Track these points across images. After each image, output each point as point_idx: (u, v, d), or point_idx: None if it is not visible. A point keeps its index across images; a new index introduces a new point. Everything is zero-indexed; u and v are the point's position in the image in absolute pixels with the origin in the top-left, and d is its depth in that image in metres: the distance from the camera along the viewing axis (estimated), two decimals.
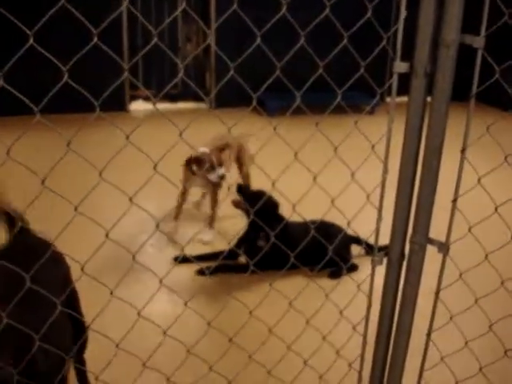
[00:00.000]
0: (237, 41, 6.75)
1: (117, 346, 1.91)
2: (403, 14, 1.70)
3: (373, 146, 1.95)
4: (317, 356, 2.53)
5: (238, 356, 2.53)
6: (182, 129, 1.69)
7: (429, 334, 2.09)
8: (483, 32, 1.67)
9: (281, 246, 2.52)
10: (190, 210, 4.88)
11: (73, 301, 2.35)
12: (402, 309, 2.00)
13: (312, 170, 2.05)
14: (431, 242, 1.90)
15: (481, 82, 1.75)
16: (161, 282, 1.89)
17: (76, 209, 1.60)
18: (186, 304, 2.05)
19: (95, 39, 1.47)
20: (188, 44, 8.58)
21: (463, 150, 1.83)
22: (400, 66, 1.74)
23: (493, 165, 2.15)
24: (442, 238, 1.90)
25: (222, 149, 4.40)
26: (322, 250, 3.22)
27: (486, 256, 2.18)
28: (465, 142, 1.82)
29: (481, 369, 2.45)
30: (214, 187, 4.39)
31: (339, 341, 2.50)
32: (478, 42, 1.67)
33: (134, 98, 8.24)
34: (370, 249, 4.20)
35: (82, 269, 1.69)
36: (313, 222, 3.75)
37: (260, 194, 3.89)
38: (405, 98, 1.72)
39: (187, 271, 3.94)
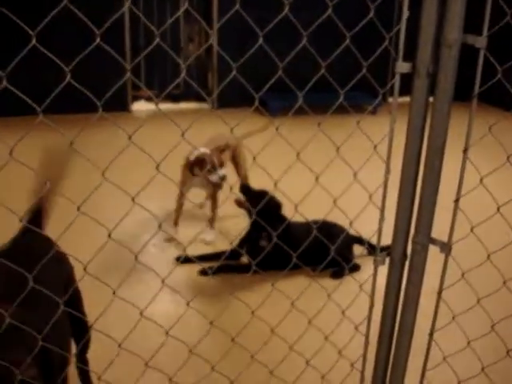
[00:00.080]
0: (239, 41, 6.76)
1: (119, 345, 1.91)
2: (405, 14, 1.70)
3: (375, 146, 1.95)
4: (319, 356, 2.53)
5: (241, 356, 2.53)
6: (184, 129, 1.70)
7: (431, 334, 2.09)
8: (485, 32, 1.67)
9: (283, 246, 2.52)
10: (191, 211, 4.88)
11: (76, 301, 2.35)
12: (404, 309, 2.00)
13: (314, 170, 2.05)
14: (433, 242, 1.91)
15: (483, 82, 1.75)
16: (163, 282, 1.90)
17: (79, 209, 1.61)
18: (188, 304, 2.06)
19: (98, 40, 1.47)
20: (190, 44, 8.58)
21: (465, 150, 1.83)
22: (402, 67, 1.74)
23: (495, 165, 2.14)
24: (444, 238, 1.90)
25: (222, 149, 4.40)
26: (324, 250, 3.22)
27: (489, 256, 2.18)
28: (467, 142, 1.82)
29: (483, 369, 2.45)
30: (215, 188, 4.38)
31: (341, 341, 2.50)
32: (480, 42, 1.67)
33: (136, 98, 8.24)
34: (372, 249, 4.19)
35: (85, 269, 1.69)
36: (315, 222, 3.75)
37: (263, 194, 3.89)
38: (407, 99, 1.72)
39: (189, 271, 3.94)
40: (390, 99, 8.80)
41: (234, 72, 1.71)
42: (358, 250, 4.25)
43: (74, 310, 2.11)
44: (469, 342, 2.40)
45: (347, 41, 1.89)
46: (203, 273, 3.92)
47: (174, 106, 8.38)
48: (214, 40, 7.94)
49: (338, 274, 3.95)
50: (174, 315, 3.33)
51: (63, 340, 2.02)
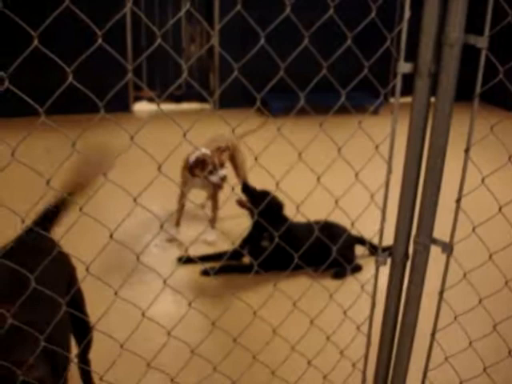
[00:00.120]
0: (241, 41, 6.76)
1: (121, 346, 1.91)
2: (407, 14, 1.70)
3: (377, 147, 1.95)
4: (321, 356, 2.53)
5: (242, 356, 2.53)
6: (186, 129, 1.70)
7: (433, 334, 2.09)
8: (487, 32, 1.67)
9: (285, 247, 2.52)
10: (193, 211, 4.88)
11: (78, 301, 2.36)
12: (406, 309, 2.00)
13: (316, 170, 2.05)
14: (435, 242, 1.90)
15: (485, 82, 1.75)
16: (165, 282, 1.90)
17: (81, 209, 1.61)
18: (190, 304, 2.06)
19: (99, 41, 1.47)
20: (192, 45, 8.59)
21: (467, 150, 1.83)
22: (404, 67, 1.74)
23: (496, 165, 2.15)
24: (446, 239, 1.90)
25: (222, 150, 4.40)
26: (325, 251, 3.22)
27: (490, 256, 2.18)
28: (469, 141, 1.82)
29: (485, 369, 2.45)
30: (215, 188, 4.37)
31: (343, 341, 2.49)
32: (482, 41, 1.67)
33: (137, 98, 8.25)
34: (373, 249, 4.19)
35: (87, 269, 1.69)
36: (317, 223, 3.75)
37: (265, 194, 3.89)
38: (409, 99, 1.72)
39: (191, 272, 3.95)
40: (392, 99, 8.79)
41: (235, 72, 1.71)
42: (359, 250, 4.25)
43: (76, 311, 2.12)
44: (470, 342, 2.40)
45: (349, 41, 1.89)
46: (205, 273, 3.92)
47: (176, 107, 8.38)
48: (215, 40, 7.94)
49: (339, 275, 3.95)
50: (175, 316, 3.34)
51: (66, 340, 2.02)
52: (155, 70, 8.25)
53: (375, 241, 2.22)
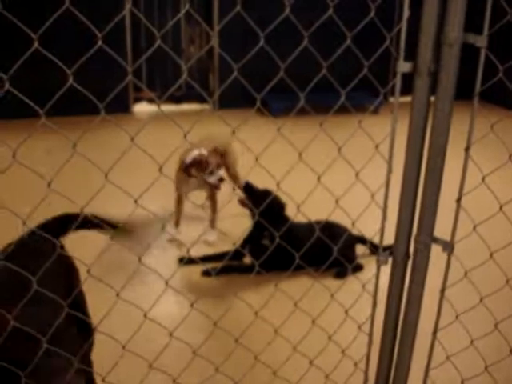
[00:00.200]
0: (240, 42, 6.76)
1: (123, 347, 1.91)
2: (406, 13, 1.70)
3: (377, 146, 1.95)
4: (322, 356, 2.53)
5: (244, 357, 2.53)
6: (186, 130, 1.70)
7: (434, 333, 2.09)
8: (486, 31, 1.67)
9: (286, 247, 2.52)
10: (193, 212, 4.88)
11: (80, 303, 2.36)
12: (407, 308, 2.00)
13: (316, 170, 2.05)
14: (436, 241, 1.91)
15: (485, 80, 1.76)
16: (167, 283, 1.90)
17: (82, 211, 1.61)
18: (191, 305, 2.06)
19: (99, 42, 1.47)
20: (191, 46, 8.59)
21: (467, 149, 1.83)
22: (403, 66, 1.74)
23: (497, 163, 2.15)
24: (447, 237, 1.90)
25: (219, 151, 4.40)
26: (327, 250, 3.23)
27: (491, 255, 2.18)
28: (469, 140, 1.82)
29: (486, 367, 2.45)
30: (212, 189, 4.35)
31: (345, 340, 2.50)
32: (481, 40, 1.67)
33: (137, 99, 8.26)
34: (374, 248, 4.19)
35: (89, 271, 1.69)
36: (317, 223, 3.75)
37: (266, 194, 3.89)
38: (409, 98, 1.73)
39: (192, 272, 3.95)
40: (392, 99, 8.80)
41: (235, 73, 1.72)
42: (360, 249, 4.25)
43: (78, 312, 2.12)
44: (472, 341, 2.40)
45: (348, 41, 1.89)
46: (206, 274, 3.92)
47: (176, 108, 8.39)
48: (215, 41, 7.95)
49: (340, 274, 3.95)
50: (177, 316, 3.34)
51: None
52: (155, 71, 8.26)
53: (376, 240, 2.22)
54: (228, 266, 3.97)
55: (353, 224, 2.20)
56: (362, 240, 4.17)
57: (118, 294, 1.79)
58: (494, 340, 2.64)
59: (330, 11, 1.84)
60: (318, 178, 1.97)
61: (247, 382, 2.57)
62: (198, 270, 3.94)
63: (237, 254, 4.04)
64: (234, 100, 7.44)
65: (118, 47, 7.37)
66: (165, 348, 2.14)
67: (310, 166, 2.12)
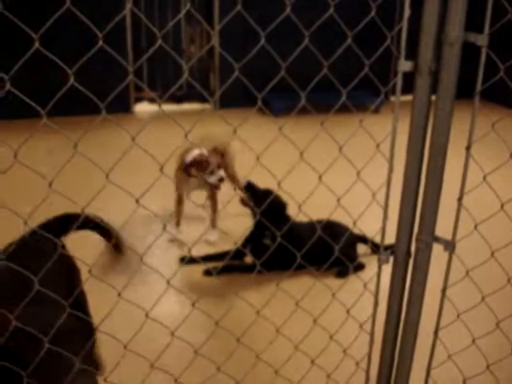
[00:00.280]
0: (241, 41, 6.76)
1: (125, 347, 1.92)
2: (407, 12, 1.70)
3: (378, 145, 1.95)
4: (324, 355, 2.53)
5: (246, 356, 2.53)
6: (187, 130, 1.70)
7: (436, 332, 2.09)
8: (487, 30, 1.67)
9: (287, 246, 2.52)
10: (194, 211, 4.88)
11: (81, 303, 2.36)
12: (408, 307, 2.00)
13: (317, 169, 2.05)
14: (437, 240, 1.91)
15: (486, 79, 1.75)
16: (168, 283, 1.90)
17: (83, 211, 1.61)
18: (193, 305, 2.06)
19: (100, 42, 1.48)
20: (192, 45, 8.59)
21: (468, 148, 1.83)
22: (404, 65, 1.74)
23: (498, 162, 2.14)
24: (448, 236, 1.90)
25: (219, 151, 4.39)
26: (328, 250, 3.22)
27: (493, 253, 2.18)
28: (470, 139, 1.82)
29: (488, 366, 2.45)
30: (212, 189, 4.34)
31: (346, 340, 2.50)
32: (482, 39, 1.67)
33: (138, 99, 8.26)
34: (376, 248, 4.19)
35: (90, 271, 1.70)
36: (319, 222, 3.75)
37: (267, 193, 3.89)
38: (409, 97, 1.73)
39: (194, 272, 3.95)
40: (393, 98, 8.79)
41: (236, 72, 1.72)
42: (361, 249, 4.25)
43: (79, 312, 2.12)
44: (474, 340, 2.40)
45: (349, 40, 1.89)
46: (207, 273, 3.92)
47: (177, 107, 8.39)
48: (215, 41, 7.95)
49: (342, 274, 3.95)
50: (179, 316, 3.34)
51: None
52: (156, 70, 8.26)
53: (377, 239, 2.22)
54: (229, 266, 3.97)
55: (354, 223, 2.20)
56: (363, 239, 4.17)
57: (119, 294, 1.79)
58: (496, 339, 2.64)
59: (331, 10, 1.84)
60: (319, 178, 1.97)
61: (249, 382, 2.57)
62: (199, 269, 3.94)
63: (238, 254, 4.04)
64: (235, 99, 7.44)
65: (118, 47, 7.37)
66: (166, 347, 2.15)
67: (311, 166, 2.12)
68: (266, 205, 3.07)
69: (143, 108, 8.28)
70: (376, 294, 2.08)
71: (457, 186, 1.89)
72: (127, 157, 1.97)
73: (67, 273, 2.25)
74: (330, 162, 2.07)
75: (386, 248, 1.99)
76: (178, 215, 4.50)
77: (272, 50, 1.96)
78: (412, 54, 1.73)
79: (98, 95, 1.70)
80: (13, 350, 1.64)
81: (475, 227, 2.13)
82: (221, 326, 2.14)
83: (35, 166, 1.62)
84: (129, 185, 1.95)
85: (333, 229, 3.95)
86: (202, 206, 4.97)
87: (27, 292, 1.64)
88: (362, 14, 2.19)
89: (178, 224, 4.51)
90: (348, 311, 2.35)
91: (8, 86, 1.36)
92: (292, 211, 3.92)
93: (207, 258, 4.05)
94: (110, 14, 2.91)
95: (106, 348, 2.45)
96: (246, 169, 3.46)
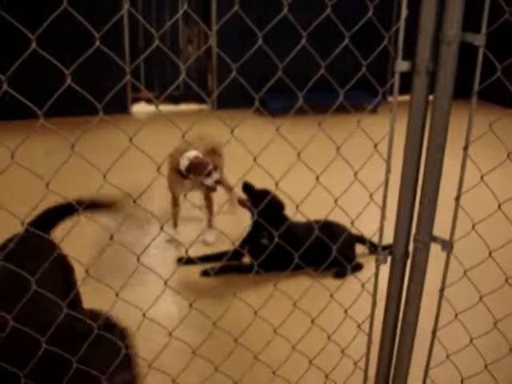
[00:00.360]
0: (238, 42, 6.77)
1: None
2: (404, 12, 1.70)
3: (375, 145, 1.95)
4: (322, 355, 2.53)
5: (244, 356, 2.53)
6: (185, 130, 1.70)
7: (434, 332, 2.09)
8: (484, 30, 1.67)
9: (285, 246, 2.52)
10: (191, 212, 4.88)
11: (76, 303, 2.35)
12: (406, 307, 2.00)
13: (315, 169, 2.05)
14: (435, 240, 1.91)
15: (483, 79, 1.76)
16: (166, 283, 1.90)
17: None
18: (190, 305, 2.06)
19: (97, 43, 1.47)
20: (189, 46, 8.59)
21: (466, 148, 1.83)
22: (402, 65, 1.74)
23: (495, 162, 2.15)
24: (446, 236, 1.90)
25: (214, 151, 4.38)
26: (326, 250, 3.23)
27: (490, 253, 2.18)
28: (467, 139, 1.82)
29: (486, 366, 2.45)
30: (208, 190, 4.31)
31: (344, 340, 2.50)
32: (479, 39, 1.67)
33: (136, 100, 8.26)
34: (374, 248, 4.19)
35: (87, 271, 1.69)
36: (316, 222, 3.75)
37: (265, 194, 3.89)
38: (407, 97, 1.73)
39: (191, 272, 3.95)
40: (390, 98, 8.80)
41: (233, 73, 1.71)
42: (359, 249, 4.25)
43: (73, 312, 2.12)
44: (471, 340, 2.40)
45: (346, 40, 1.89)
46: (205, 274, 3.92)
47: (174, 108, 8.39)
48: (213, 41, 7.95)
49: (340, 274, 3.95)
50: (176, 316, 3.34)
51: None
52: (153, 71, 8.26)
53: (375, 239, 2.22)
54: (227, 266, 3.97)
55: (352, 223, 2.20)
56: (361, 239, 4.17)
57: (117, 294, 1.79)
58: (494, 339, 2.64)
59: (328, 11, 1.84)
60: (317, 178, 1.97)
61: (247, 382, 2.57)
62: (196, 270, 3.94)
63: (236, 254, 4.03)
64: (233, 100, 7.44)
65: (116, 47, 7.36)
66: (164, 348, 2.14)
67: (309, 166, 2.12)
68: (263, 205, 3.07)
69: (140, 108, 8.28)
70: (374, 294, 2.08)
71: (454, 186, 1.89)
72: (125, 157, 1.97)
73: (62, 271, 2.25)
74: (327, 162, 2.07)
75: (384, 248, 1.99)
76: (174, 216, 4.49)
77: (269, 51, 1.96)
78: (409, 54, 1.73)
79: (95, 96, 1.70)
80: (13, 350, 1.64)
81: (473, 227, 2.13)
82: (218, 327, 2.14)
83: (32, 167, 1.62)
84: (126, 185, 1.95)
85: (330, 229, 3.96)
86: (199, 207, 4.97)
87: (23, 290, 1.63)
88: (359, 14, 2.20)
89: (175, 225, 4.50)
90: (346, 311, 2.35)
91: (5, 86, 1.36)
92: (290, 211, 3.92)
93: (205, 259, 4.05)
94: (108, 15, 2.91)
95: None
96: (244, 169, 3.46)
